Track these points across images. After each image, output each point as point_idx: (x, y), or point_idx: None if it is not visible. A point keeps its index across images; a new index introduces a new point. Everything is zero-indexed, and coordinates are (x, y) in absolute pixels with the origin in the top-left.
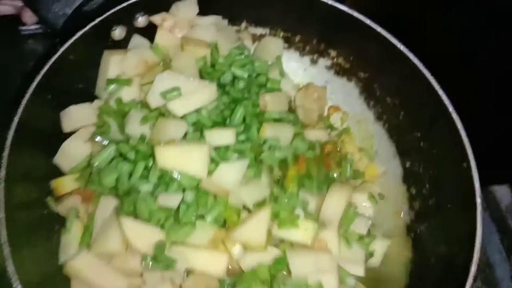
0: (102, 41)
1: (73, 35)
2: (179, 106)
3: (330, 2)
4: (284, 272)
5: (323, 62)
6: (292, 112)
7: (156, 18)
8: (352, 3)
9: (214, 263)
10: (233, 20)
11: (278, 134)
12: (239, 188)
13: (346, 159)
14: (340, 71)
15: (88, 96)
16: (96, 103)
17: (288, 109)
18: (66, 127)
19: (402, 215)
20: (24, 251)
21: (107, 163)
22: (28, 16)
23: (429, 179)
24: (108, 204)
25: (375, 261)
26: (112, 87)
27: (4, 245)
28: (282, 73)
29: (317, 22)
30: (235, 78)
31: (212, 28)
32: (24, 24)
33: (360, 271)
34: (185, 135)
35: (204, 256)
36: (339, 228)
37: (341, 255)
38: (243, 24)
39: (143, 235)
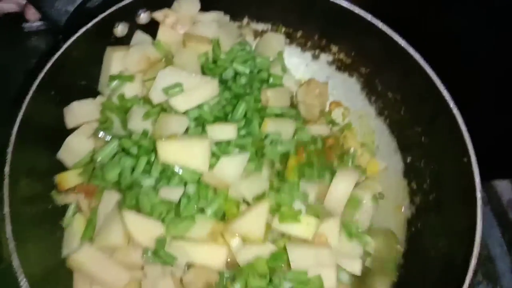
0: (105, 38)
1: (76, 32)
2: (181, 102)
3: None
4: (283, 265)
5: (325, 57)
6: (294, 108)
7: (158, 15)
8: None
9: (213, 256)
10: (235, 16)
11: (280, 129)
12: (239, 182)
13: (348, 153)
14: (341, 66)
15: (91, 92)
16: (99, 99)
17: (290, 105)
18: (70, 123)
19: (403, 209)
20: (29, 245)
21: (110, 158)
22: (31, 13)
23: (430, 174)
24: (111, 198)
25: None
26: (115, 83)
27: (9, 240)
28: (284, 69)
29: (319, 18)
30: (237, 74)
31: (214, 24)
32: (27, 21)
33: (356, 269)
34: (187, 130)
35: (203, 249)
36: (342, 218)
37: (339, 249)
38: (245, 20)
39: (145, 229)
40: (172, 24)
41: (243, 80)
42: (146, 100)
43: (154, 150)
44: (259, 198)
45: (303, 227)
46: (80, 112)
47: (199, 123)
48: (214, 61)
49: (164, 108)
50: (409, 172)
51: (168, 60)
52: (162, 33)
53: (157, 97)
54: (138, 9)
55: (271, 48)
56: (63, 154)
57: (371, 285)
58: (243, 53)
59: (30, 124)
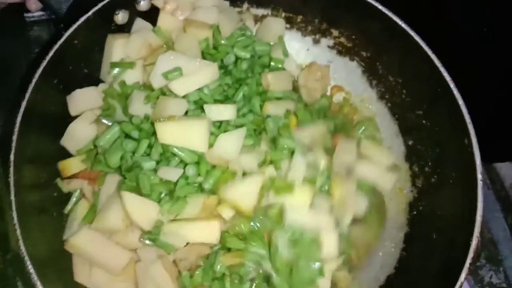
0: (106, 26)
1: (77, 20)
2: (180, 86)
3: None
4: None
5: (326, 42)
6: (296, 92)
7: (158, 1)
8: None
9: (207, 232)
10: (235, 1)
11: (280, 111)
12: (238, 156)
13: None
14: (342, 50)
15: (93, 80)
16: (101, 86)
17: (292, 89)
18: (73, 110)
19: (405, 192)
20: (35, 232)
21: (111, 143)
22: (33, 3)
23: (432, 157)
24: (113, 181)
25: None
26: (116, 70)
27: (16, 226)
28: (286, 53)
29: (319, 2)
30: (237, 59)
31: (214, 9)
32: (28, 11)
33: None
34: (187, 113)
35: (197, 227)
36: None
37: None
38: (245, 6)
39: (143, 210)
40: (172, 10)
41: (244, 65)
42: (147, 86)
43: (154, 133)
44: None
45: (298, 196)
46: (83, 100)
47: (199, 106)
48: (215, 47)
49: (164, 93)
50: (411, 155)
51: (169, 46)
52: (162, 20)
53: (157, 81)
54: None
55: (272, 33)
56: (66, 141)
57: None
58: (243, 38)
59: (33, 112)
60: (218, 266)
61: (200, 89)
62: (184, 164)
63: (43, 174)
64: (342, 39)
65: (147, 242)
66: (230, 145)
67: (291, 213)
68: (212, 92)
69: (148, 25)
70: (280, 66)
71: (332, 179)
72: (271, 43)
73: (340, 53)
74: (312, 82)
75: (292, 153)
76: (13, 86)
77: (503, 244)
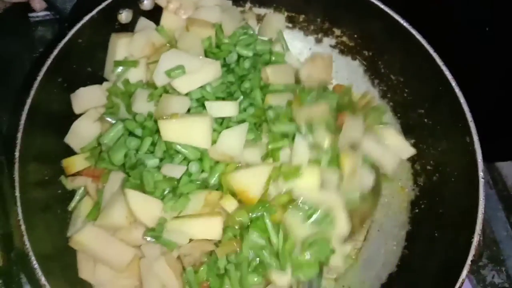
0: (109, 25)
1: (81, 19)
2: (183, 84)
3: None
4: None
5: (328, 41)
6: (298, 85)
7: (162, 1)
8: None
9: (210, 229)
10: (238, 0)
11: (282, 103)
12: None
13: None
14: (344, 49)
15: (97, 78)
16: (105, 85)
17: (294, 82)
18: (77, 108)
19: (406, 191)
20: (39, 229)
21: (115, 141)
22: (37, 3)
23: (433, 155)
24: (117, 178)
25: None
26: (120, 69)
27: (20, 222)
28: (286, 47)
29: (321, 1)
30: (240, 57)
31: (216, 9)
32: (33, 11)
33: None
34: (190, 110)
35: (200, 224)
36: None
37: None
38: (248, 5)
39: (147, 207)
40: (175, 9)
41: (246, 64)
42: (150, 84)
43: (158, 131)
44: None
45: (307, 178)
46: (87, 98)
47: (201, 104)
48: (217, 46)
49: (167, 90)
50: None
51: (172, 45)
52: (165, 19)
53: (160, 79)
54: None
55: (272, 28)
56: (70, 139)
57: None
58: (245, 36)
59: (38, 110)
60: (222, 263)
61: (202, 87)
62: (187, 161)
63: (47, 172)
64: (344, 38)
65: (150, 239)
66: (233, 141)
67: (302, 195)
68: (214, 90)
69: (151, 24)
70: (280, 60)
71: (340, 154)
72: (272, 39)
73: (342, 52)
74: (317, 73)
75: (293, 138)
76: (17, 86)
77: (506, 243)
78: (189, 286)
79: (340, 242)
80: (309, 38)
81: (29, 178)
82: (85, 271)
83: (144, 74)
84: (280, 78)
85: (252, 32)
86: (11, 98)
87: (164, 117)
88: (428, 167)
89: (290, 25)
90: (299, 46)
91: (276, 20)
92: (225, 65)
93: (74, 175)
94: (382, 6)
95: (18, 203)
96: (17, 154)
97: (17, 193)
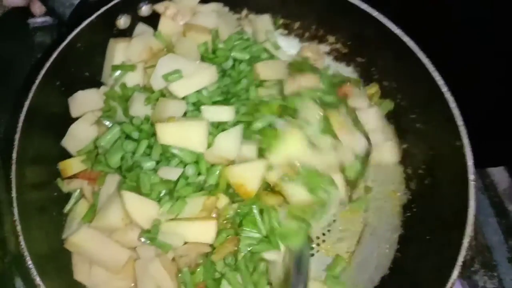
0: (108, 30)
1: (80, 24)
2: (180, 88)
3: None
4: None
5: (322, 48)
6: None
7: (159, 7)
8: None
9: (204, 232)
10: (234, 7)
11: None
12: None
13: None
14: (338, 56)
15: (95, 83)
16: (103, 89)
17: None
18: (74, 112)
19: (399, 195)
20: (34, 231)
21: (112, 143)
22: (37, 7)
23: (425, 159)
24: (113, 181)
25: None
26: (118, 73)
27: (16, 222)
28: (276, 45)
29: (316, 9)
30: (235, 61)
31: (213, 14)
32: (33, 16)
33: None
34: (186, 114)
35: (195, 227)
36: None
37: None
38: (244, 12)
39: (143, 209)
40: (173, 15)
41: (242, 67)
42: (147, 88)
43: (154, 134)
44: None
45: (292, 142)
46: (84, 102)
47: (197, 108)
48: (213, 51)
49: (164, 94)
50: (405, 159)
51: (169, 50)
52: (163, 25)
53: (157, 83)
54: (139, 1)
55: (261, 30)
56: (67, 142)
57: None
58: (240, 41)
59: (36, 112)
60: (219, 266)
61: (199, 91)
62: (184, 164)
63: (43, 174)
64: (338, 45)
65: (145, 241)
66: (229, 143)
67: (296, 159)
68: (210, 94)
69: (149, 29)
70: (270, 57)
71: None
72: (263, 39)
73: (336, 58)
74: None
75: None
76: (16, 88)
77: (497, 249)
78: (184, 287)
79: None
80: (304, 45)
81: (26, 180)
82: (80, 273)
83: (142, 78)
84: (271, 73)
85: (247, 37)
86: (10, 100)
87: (161, 121)
88: (420, 171)
89: (286, 32)
90: (294, 52)
91: (262, 21)
92: (221, 70)
93: (70, 177)
94: (375, 14)
95: (15, 204)
96: (14, 155)
97: (14, 194)
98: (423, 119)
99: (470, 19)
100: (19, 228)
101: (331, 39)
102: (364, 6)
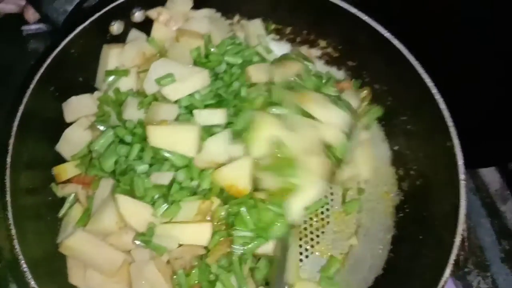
0: (101, 36)
1: (74, 30)
2: (172, 91)
3: None
4: None
5: (314, 52)
6: None
7: (152, 13)
8: None
9: (199, 235)
10: (226, 13)
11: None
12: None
13: None
14: (330, 60)
15: (88, 88)
16: (96, 94)
17: None
18: (68, 117)
19: (391, 196)
20: (29, 235)
21: (106, 147)
22: (31, 14)
23: (416, 160)
24: (107, 185)
25: None
26: (111, 78)
27: (10, 226)
28: (268, 49)
29: (307, 13)
30: (228, 65)
31: (205, 20)
32: (26, 23)
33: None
34: (179, 117)
35: (189, 230)
36: None
37: None
38: (236, 18)
39: (137, 212)
40: (166, 21)
41: (234, 70)
42: (141, 93)
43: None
44: None
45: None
46: (79, 107)
47: (190, 111)
48: (206, 56)
49: (157, 98)
50: (397, 160)
51: (162, 55)
52: (156, 30)
53: (150, 87)
54: (132, 7)
55: (253, 35)
56: (62, 147)
57: None
58: (233, 46)
59: (30, 117)
60: (214, 268)
61: (191, 95)
62: (176, 168)
63: (38, 179)
64: (329, 50)
65: (140, 244)
66: (218, 147)
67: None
68: (203, 98)
69: (142, 35)
70: (261, 60)
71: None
72: (254, 43)
73: (327, 63)
74: None
75: None
76: (9, 97)
77: (490, 249)
78: None
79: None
80: (296, 49)
81: (20, 185)
82: (75, 277)
83: (135, 83)
84: (263, 76)
85: (239, 42)
86: (4, 107)
87: (153, 124)
88: (412, 172)
89: (278, 37)
90: None
91: (254, 26)
92: (214, 74)
93: (64, 182)
94: (365, 18)
95: (9, 208)
96: (8, 160)
97: (8, 198)
98: (414, 121)
99: (458, 23)
100: (13, 231)
101: (322, 43)
102: (354, 11)
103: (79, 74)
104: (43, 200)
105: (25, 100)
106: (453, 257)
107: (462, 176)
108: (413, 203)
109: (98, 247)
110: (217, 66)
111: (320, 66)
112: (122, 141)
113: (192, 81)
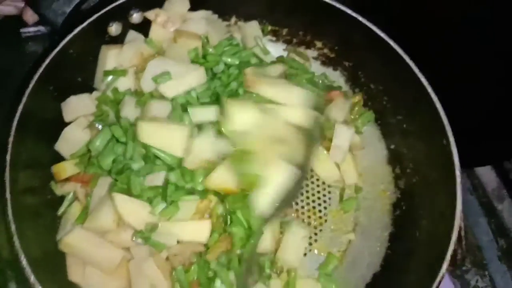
0: (100, 37)
1: (72, 31)
2: (169, 89)
3: None
4: None
5: (310, 53)
6: None
7: (150, 14)
8: None
9: (198, 232)
10: (223, 15)
11: None
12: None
13: None
14: (326, 61)
15: (87, 88)
16: (95, 94)
17: None
18: (67, 116)
19: (388, 194)
20: (28, 232)
21: (104, 146)
22: (30, 15)
23: (413, 159)
24: (105, 183)
25: None
26: (109, 78)
27: (10, 223)
28: (265, 51)
29: (303, 15)
30: (225, 65)
31: (203, 21)
32: (25, 25)
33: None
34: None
35: (189, 227)
36: None
37: None
38: (233, 19)
39: (134, 210)
40: (163, 22)
41: (232, 70)
42: (139, 93)
43: None
44: None
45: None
46: (77, 106)
47: (185, 109)
48: (204, 56)
49: (154, 96)
50: (393, 159)
51: (160, 55)
52: (154, 32)
53: (147, 86)
54: (130, 9)
55: (250, 36)
56: (60, 146)
57: None
58: (230, 47)
59: (29, 117)
60: (214, 264)
61: (188, 93)
62: (167, 167)
63: (37, 177)
64: (326, 50)
65: (139, 241)
66: (205, 145)
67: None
68: (199, 95)
69: (140, 36)
70: (259, 62)
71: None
72: (252, 45)
73: (324, 63)
74: None
75: None
76: (7, 99)
77: (488, 248)
78: (179, 285)
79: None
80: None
81: (19, 183)
82: (74, 274)
83: (133, 83)
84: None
85: (236, 42)
86: (3, 109)
87: (144, 119)
88: (408, 170)
89: (274, 38)
90: None
91: (251, 28)
92: (212, 73)
93: (63, 181)
94: (361, 19)
95: (9, 205)
96: (8, 157)
97: (8, 195)
98: (410, 120)
99: (455, 22)
100: (13, 228)
101: (319, 44)
102: (350, 11)
103: (78, 75)
104: (43, 199)
105: (24, 99)
106: (450, 252)
107: (457, 172)
108: (409, 200)
109: (97, 244)
110: (215, 66)
111: (317, 67)
112: (118, 140)
113: (188, 78)
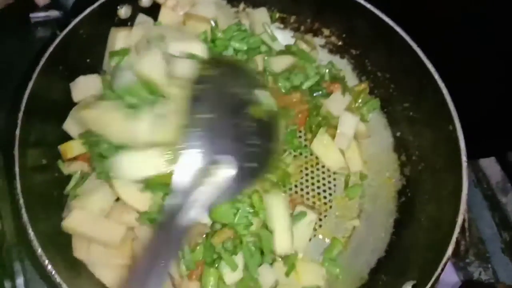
0: (109, 19)
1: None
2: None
3: None
4: None
5: (318, 41)
6: None
7: None
8: None
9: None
10: (232, 1)
11: None
12: None
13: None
14: (333, 49)
15: (96, 71)
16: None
17: None
18: (76, 96)
19: (393, 181)
20: (36, 207)
21: None
22: None
23: (419, 146)
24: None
25: None
26: (116, 60)
27: (18, 196)
28: (273, 37)
29: (311, 2)
30: (234, 50)
31: (212, 5)
32: (35, 10)
33: None
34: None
35: None
36: None
37: None
38: (241, 6)
39: (136, 193)
40: (173, 6)
41: (240, 56)
42: None
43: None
44: None
45: None
46: (86, 86)
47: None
48: (213, 40)
49: None
50: (399, 146)
51: None
52: (163, 15)
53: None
54: None
55: (259, 23)
56: (68, 125)
57: None
58: (239, 32)
59: (38, 96)
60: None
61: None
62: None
63: (45, 156)
64: (333, 38)
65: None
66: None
67: None
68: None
69: (149, 19)
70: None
71: None
72: (260, 31)
73: (331, 51)
74: None
75: None
76: (16, 84)
77: (491, 241)
78: (185, 264)
79: None
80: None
81: (28, 160)
82: (79, 251)
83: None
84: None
85: (244, 28)
86: (10, 97)
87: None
88: (414, 158)
89: (282, 26)
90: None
91: (259, 14)
92: None
93: (70, 160)
94: (368, 6)
95: (17, 178)
96: (17, 133)
97: (16, 170)
98: (416, 107)
99: (461, 9)
100: (21, 201)
101: (326, 32)
102: None
103: (87, 56)
104: (50, 176)
105: (34, 76)
106: (455, 236)
107: (464, 158)
108: (415, 187)
109: (97, 223)
110: (224, 51)
111: (324, 55)
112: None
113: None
